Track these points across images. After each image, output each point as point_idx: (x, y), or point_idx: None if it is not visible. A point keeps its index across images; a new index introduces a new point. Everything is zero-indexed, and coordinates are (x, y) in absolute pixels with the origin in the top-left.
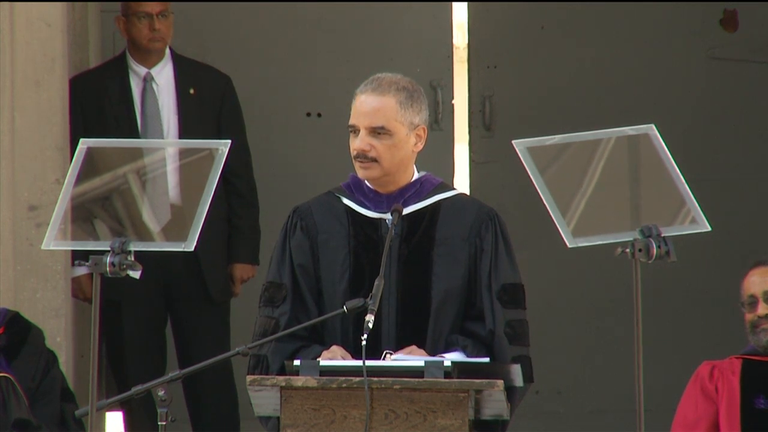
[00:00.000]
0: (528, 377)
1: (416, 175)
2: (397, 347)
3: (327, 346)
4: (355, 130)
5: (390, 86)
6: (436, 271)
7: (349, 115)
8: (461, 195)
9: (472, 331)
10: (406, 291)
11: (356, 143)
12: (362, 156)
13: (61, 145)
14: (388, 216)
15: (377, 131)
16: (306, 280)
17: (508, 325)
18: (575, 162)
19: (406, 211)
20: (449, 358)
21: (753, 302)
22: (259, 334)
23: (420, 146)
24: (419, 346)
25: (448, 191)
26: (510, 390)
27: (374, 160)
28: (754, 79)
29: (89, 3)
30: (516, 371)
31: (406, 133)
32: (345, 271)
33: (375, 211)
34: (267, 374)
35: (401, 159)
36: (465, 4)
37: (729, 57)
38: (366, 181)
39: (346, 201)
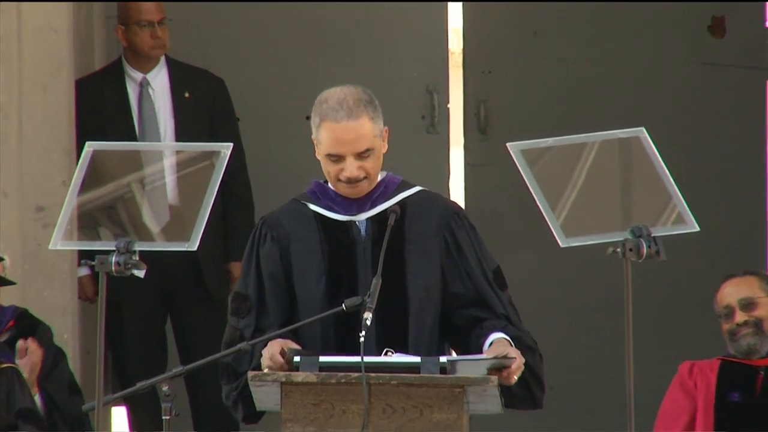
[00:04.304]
0: (539, 357)
1: (380, 176)
2: (377, 346)
3: (303, 346)
4: (339, 158)
5: (357, 106)
6: (411, 269)
7: (316, 135)
8: (423, 191)
9: (474, 316)
10: (383, 291)
11: (347, 171)
12: (354, 180)
13: (67, 147)
14: (358, 218)
15: (363, 154)
16: (275, 290)
17: (511, 306)
18: (568, 164)
19: (375, 211)
20: (494, 338)
21: (729, 312)
22: (227, 343)
23: (386, 147)
24: (401, 344)
25: (410, 188)
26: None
27: (364, 178)
28: (742, 83)
29: (95, 10)
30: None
31: (380, 143)
32: (321, 275)
33: (345, 214)
34: (235, 380)
35: (380, 166)
36: (460, 9)
37: (717, 62)
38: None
39: (313, 207)
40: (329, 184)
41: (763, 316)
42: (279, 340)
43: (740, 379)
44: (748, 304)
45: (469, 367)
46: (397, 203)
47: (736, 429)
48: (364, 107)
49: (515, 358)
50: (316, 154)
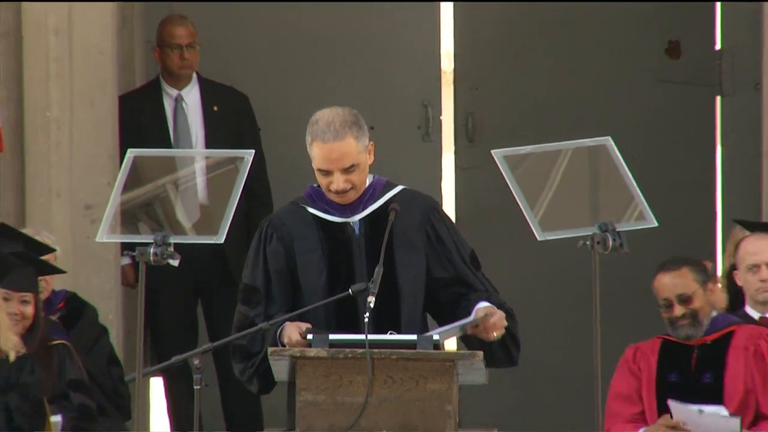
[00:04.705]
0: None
1: (369, 181)
2: (374, 327)
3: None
4: (328, 172)
5: (343, 127)
6: (400, 261)
7: (310, 151)
8: (405, 190)
9: (458, 292)
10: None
11: (335, 184)
12: (342, 191)
13: (111, 154)
14: (352, 219)
15: (350, 169)
16: (280, 283)
17: (488, 281)
18: (544, 168)
19: (366, 213)
20: (480, 306)
21: (668, 305)
22: (237, 327)
23: (372, 159)
24: (395, 328)
25: (394, 189)
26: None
27: (351, 189)
28: (694, 98)
29: (135, 35)
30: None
31: (365, 157)
32: (322, 269)
33: (340, 216)
34: (249, 359)
35: (366, 176)
36: (452, 35)
37: (674, 80)
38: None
39: (311, 210)
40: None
41: (699, 307)
42: (296, 322)
43: (677, 360)
44: (685, 299)
45: (450, 332)
46: (387, 202)
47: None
48: (349, 128)
49: (494, 314)
50: (312, 165)
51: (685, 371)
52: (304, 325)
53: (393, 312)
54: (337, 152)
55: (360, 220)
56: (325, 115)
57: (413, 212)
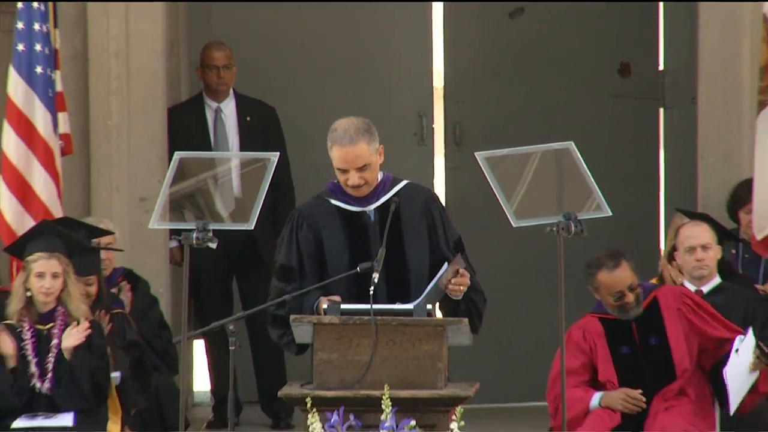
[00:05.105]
0: (483, 301)
1: (380, 177)
2: (388, 299)
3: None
4: (344, 171)
5: (357, 134)
6: (408, 242)
7: (330, 153)
8: (409, 183)
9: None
10: (389, 261)
11: (351, 180)
12: (356, 186)
13: (161, 155)
14: (368, 209)
15: (363, 168)
16: (310, 263)
17: (467, 263)
18: (518, 167)
19: (379, 203)
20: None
21: (621, 296)
22: (274, 296)
23: (382, 159)
24: (405, 300)
25: (400, 183)
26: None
27: (365, 184)
28: (642, 110)
29: (181, 57)
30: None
31: (376, 158)
32: (345, 250)
33: (358, 206)
34: (287, 327)
35: (377, 174)
36: (442, 56)
37: (624, 95)
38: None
39: (334, 202)
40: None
41: (639, 290)
42: (330, 296)
43: (622, 333)
44: (633, 287)
45: (432, 294)
46: (396, 193)
47: (631, 375)
48: (362, 135)
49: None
50: (333, 164)
51: (632, 341)
52: (336, 298)
53: (403, 285)
54: (352, 155)
55: (374, 209)
56: (342, 124)
57: (416, 201)
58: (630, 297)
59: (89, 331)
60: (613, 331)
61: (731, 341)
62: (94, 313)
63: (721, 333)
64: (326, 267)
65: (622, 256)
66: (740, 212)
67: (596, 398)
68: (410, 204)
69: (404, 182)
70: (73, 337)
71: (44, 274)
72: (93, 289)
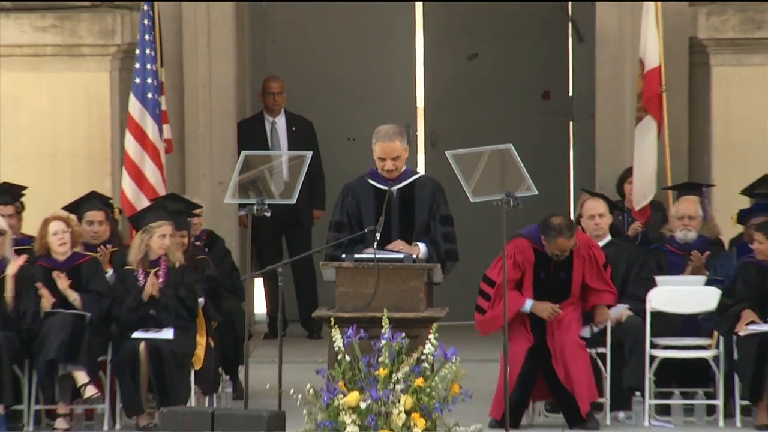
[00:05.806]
0: (455, 257)
1: (404, 168)
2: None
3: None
4: (383, 159)
5: (394, 134)
6: (416, 215)
7: (374, 147)
8: (423, 175)
9: (431, 237)
10: (402, 222)
11: (387, 166)
12: (390, 170)
13: (233, 153)
14: (393, 188)
15: (396, 158)
16: (353, 221)
17: (444, 234)
18: (475, 161)
19: (401, 185)
20: (420, 245)
21: (563, 252)
22: (331, 241)
23: (407, 154)
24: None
25: (417, 174)
26: (443, 266)
27: (395, 170)
28: (557, 124)
29: (247, 85)
30: (437, 270)
31: (404, 153)
32: (373, 215)
33: (386, 186)
34: (334, 260)
35: (403, 164)
36: (423, 83)
37: (546, 113)
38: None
39: (370, 181)
40: (378, 170)
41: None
42: (399, 242)
43: (544, 264)
44: (571, 248)
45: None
46: (413, 180)
47: (542, 292)
48: (397, 135)
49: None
50: (374, 155)
51: (548, 270)
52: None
53: (410, 238)
54: (390, 148)
55: (397, 189)
56: (384, 128)
57: (427, 188)
58: (567, 253)
59: (162, 279)
60: (540, 261)
61: (598, 290)
62: (186, 258)
63: (594, 284)
64: (362, 225)
65: (575, 227)
66: (625, 185)
67: (528, 304)
68: (422, 189)
69: (420, 174)
70: (154, 286)
71: (165, 236)
72: (185, 240)
